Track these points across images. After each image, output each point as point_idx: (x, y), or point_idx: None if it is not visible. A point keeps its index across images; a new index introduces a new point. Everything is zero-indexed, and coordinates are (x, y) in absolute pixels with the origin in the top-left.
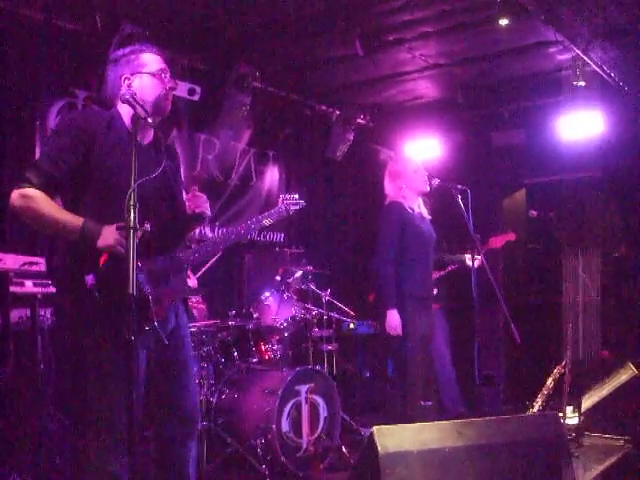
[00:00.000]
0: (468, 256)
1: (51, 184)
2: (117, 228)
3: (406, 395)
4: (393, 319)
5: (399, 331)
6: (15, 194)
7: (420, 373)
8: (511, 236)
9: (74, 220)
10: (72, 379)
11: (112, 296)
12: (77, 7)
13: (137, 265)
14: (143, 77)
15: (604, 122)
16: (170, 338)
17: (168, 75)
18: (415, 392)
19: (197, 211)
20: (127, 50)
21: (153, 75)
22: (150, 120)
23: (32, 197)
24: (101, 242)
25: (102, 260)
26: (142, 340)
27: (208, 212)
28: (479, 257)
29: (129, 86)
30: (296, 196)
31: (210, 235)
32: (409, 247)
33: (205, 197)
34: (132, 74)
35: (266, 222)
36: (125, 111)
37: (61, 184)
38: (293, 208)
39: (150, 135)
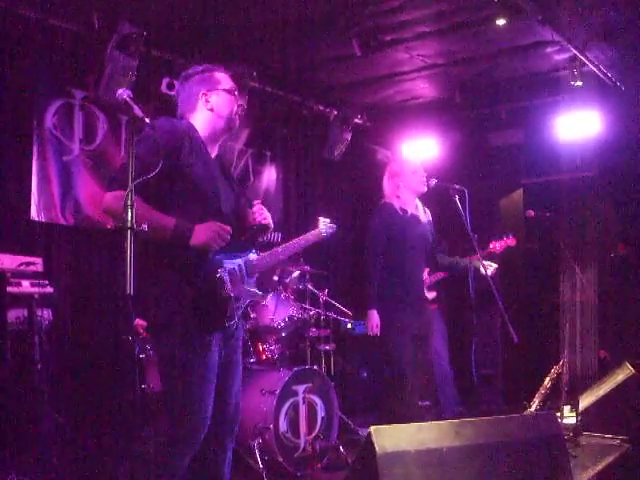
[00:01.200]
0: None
1: (140, 186)
2: (215, 226)
3: (398, 395)
4: (372, 319)
5: (376, 331)
6: (110, 196)
7: (412, 373)
8: (512, 241)
9: (166, 219)
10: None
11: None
12: (74, 7)
13: (220, 263)
14: (220, 94)
15: (601, 122)
16: (231, 340)
17: (238, 95)
18: (409, 391)
19: (263, 222)
20: (199, 68)
21: (228, 92)
22: (147, 121)
23: (116, 197)
24: (194, 240)
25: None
26: (219, 337)
27: (271, 224)
28: (492, 267)
29: (207, 102)
30: (328, 220)
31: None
32: (395, 249)
33: (266, 210)
34: (209, 90)
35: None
36: (199, 123)
37: (148, 187)
38: (330, 232)
39: (216, 150)
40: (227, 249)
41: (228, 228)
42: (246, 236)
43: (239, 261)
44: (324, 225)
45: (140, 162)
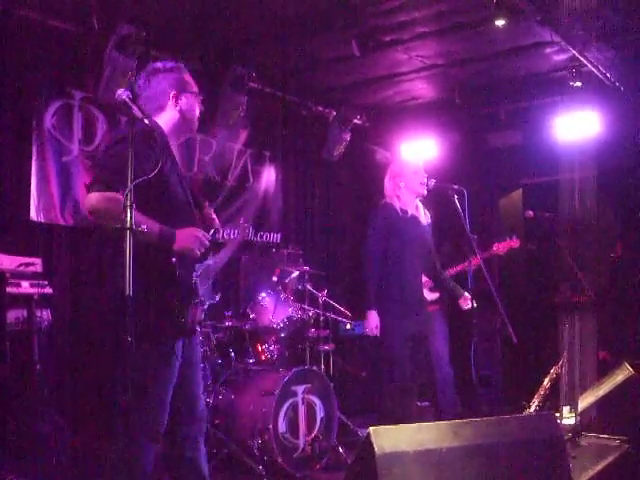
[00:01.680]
0: (466, 294)
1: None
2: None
3: (396, 395)
4: (371, 320)
5: (376, 332)
6: (96, 195)
7: (409, 374)
8: (515, 243)
9: (151, 223)
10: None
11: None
12: (73, 8)
13: (194, 267)
14: (189, 96)
15: (600, 122)
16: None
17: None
18: (406, 392)
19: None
20: (169, 65)
21: (196, 95)
22: (147, 121)
23: (117, 201)
24: (177, 244)
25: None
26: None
27: (218, 224)
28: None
29: (176, 103)
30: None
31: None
32: (394, 250)
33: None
34: (179, 92)
35: None
36: (164, 122)
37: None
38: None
39: (175, 149)
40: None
41: (208, 235)
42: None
43: (204, 265)
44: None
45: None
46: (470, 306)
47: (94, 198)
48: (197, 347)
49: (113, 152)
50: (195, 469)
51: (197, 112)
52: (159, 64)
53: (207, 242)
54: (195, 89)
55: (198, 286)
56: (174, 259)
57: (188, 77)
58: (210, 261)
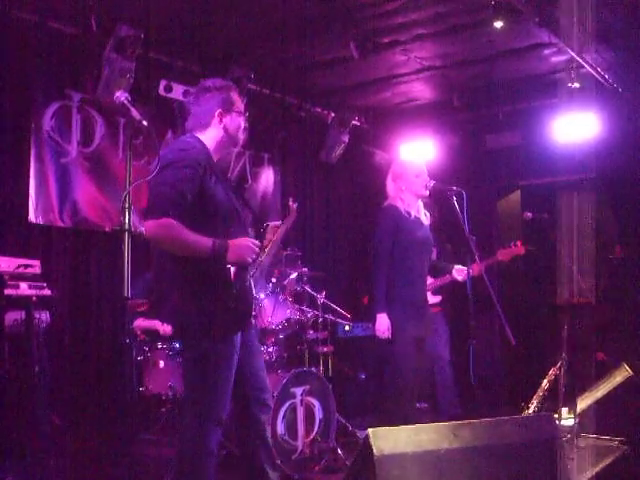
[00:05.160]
0: (457, 267)
1: (180, 212)
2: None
3: (399, 397)
4: (382, 323)
5: (387, 335)
6: (153, 224)
7: (413, 375)
8: (520, 250)
9: (205, 240)
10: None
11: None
12: (72, 9)
13: (249, 271)
14: (234, 115)
15: (599, 124)
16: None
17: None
18: (408, 394)
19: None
20: (218, 83)
21: (241, 114)
22: (145, 123)
23: (171, 226)
24: (230, 256)
25: (233, 275)
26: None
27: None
28: (470, 270)
29: (221, 121)
30: None
31: None
32: (401, 252)
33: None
34: (225, 111)
35: None
36: (209, 139)
37: (184, 212)
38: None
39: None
40: None
41: (257, 242)
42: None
43: (259, 264)
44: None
45: (174, 190)
46: (466, 276)
47: (149, 226)
48: (254, 335)
49: (161, 179)
50: (262, 441)
51: (242, 129)
52: (209, 82)
53: (257, 249)
54: (241, 108)
55: (253, 285)
56: (232, 269)
57: (235, 96)
58: (265, 259)
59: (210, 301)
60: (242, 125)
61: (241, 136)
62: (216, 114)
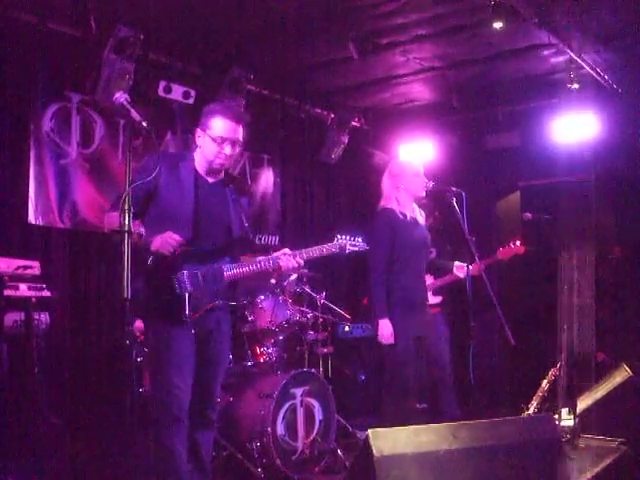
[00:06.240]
0: (457, 263)
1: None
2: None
3: (398, 398)
4: (385, 329)
5: (391, 340)
6: (105, 217)
7: (413, 376)
8: (520, 249)
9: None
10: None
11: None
12: (71, 11)
13: (182, 266)
14: (206, 138)
15: (598, 124)
16: (205, 340)
17: (228, 145)
18: (408, 395)
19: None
20: (211, 107)
21: (213, 140)
22: (145, 124)
23: (107, 217)
24: (152, 246)
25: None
26: (189, 332)
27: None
28: (470, 266)
29: (197, 139)
30: (359, 239)
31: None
32: (399, 254)
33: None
34: (202, 131)
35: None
36: (199, 157)
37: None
38: (351, 248)
39: (220, 175)
40: (199, 257)
41: (176, 237)
42: (226, 248)
43: (205, 267)
44: (340, 240)
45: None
46: (467, 273)
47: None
48: (212, 348)
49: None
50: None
51: (213, 155)
52: (212, 104)
53: (174, 243)
54: (215, 135)
55: (180, 282)
56: (150, 258)
57: (218, 123)
58: (223, 266)
59: (142, 285)
60: (216, 152)
61: (217, 161)
62: (198, 130)
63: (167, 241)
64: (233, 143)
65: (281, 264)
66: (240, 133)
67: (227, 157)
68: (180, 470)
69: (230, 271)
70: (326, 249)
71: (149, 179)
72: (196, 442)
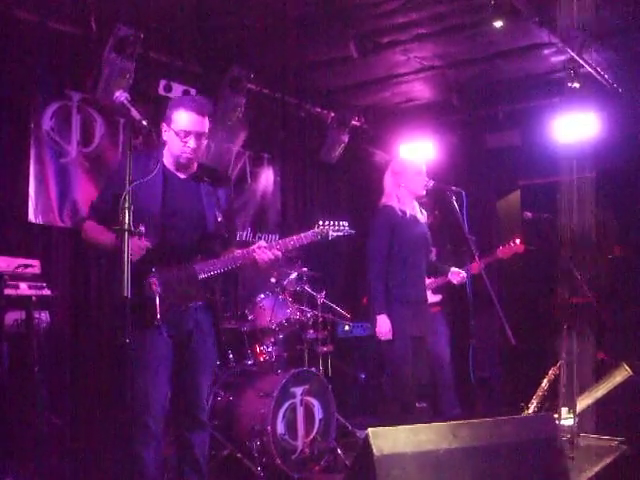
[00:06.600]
0: (454, 269)
1: (98, 214)
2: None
3: (397, 396)
4: (383, 325)
5: (389, 336)
6: (84, 227)
7: (411, 375)
8: (519, 248)
9: (109, 236)
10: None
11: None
12: (72, 9)
13: (151, 269)
14: (170, 132)
15: (598, 124)
16: (186, 342)
17: (192, 138)
18: (407, 393)
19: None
20: (174, 100)
21: (176, 134)
22: (145, 123)
23: (84, 229)
24: None
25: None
26: (162, 336)
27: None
28: (468, 269)
29: (163, 134)
30: (344, 223)
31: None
32: (398, 251)
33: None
34: (167, 125)
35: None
36: (167, 153)
37: (107, 213)
38: (334, 234)
39: (192, 169)
40: (169, 256)
41: (143, 243)
42: (200, 245)
43: (176, 267)
44: (321, 227)
45: (97, 197)
46: (462, 279)
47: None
48: (192, 349)
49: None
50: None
51: (178, 149)
52: (174, 100)
53: (140, 250)
54: (177, 128)
55: (151, 285)
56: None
57: (182, 116)
58: (195, 265)
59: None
60: (181, 146)
61: (184, 156)
62: (162, 124)
63: (134, 247)
64: (198, 136)
65: (256, 257)
66: (205, 125)
67: (193, 151)
68: (145, 477)
69: (202, 269)
70: (305, 237)
71: (143, 180)
72: (190, 443)
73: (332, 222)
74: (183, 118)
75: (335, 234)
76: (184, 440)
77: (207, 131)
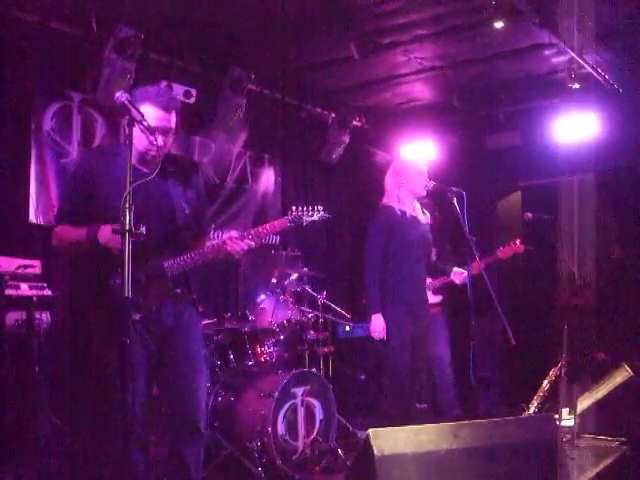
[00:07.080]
0: (456, 269)
1: (68, 217)
2: (112, 230)
3: (397, 397)
4: (376, 323)
5: (382, 335)
6: (55, 232)
7: (410, 375)
8: (519, 248)
9: (81, 231)
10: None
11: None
12: (72, 10)
13: (117, 269)
14: (136, 127)
15: (599, 124)
16: (169, 337)
17: (159, 135)
18: (406, 394)
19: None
20: (139, 92)
21: (141, 130)
22: (146, 124)
23: (55, 234)
24: (101, 237)
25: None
26: (138, 338)
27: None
28: (469, 269)
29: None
30: (320, 208)
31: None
32: (396, 251)
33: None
34: (131, 120)
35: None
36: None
37: (78, 214)
38: (308, 219)
39: (158, 162)
40: (137, 253)
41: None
42: (172, 239)
43: (144, 264)
44: (293, 213)
45: (62, 199)
46: (464, 279)
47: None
48: (176, 346)
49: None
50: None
51: (142, 144)
52: (138, 88)
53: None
54: (145, 124)
55: (117, 285)
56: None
57: (147, 110)
58: (164, 261)
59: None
60: (147, 143)
61: (150, 153)
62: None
63: (111, 237)
64: (165, 132)
65: (228, 249)
66: (172, 121)
67: (159, 148)
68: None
69: (171, 266)
70: (279, 224)
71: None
72: (182, 457)
73: (306, 207)
74: (149, 113)
75: (309, 219)
76: (178, 455)
77: (174, 126)
